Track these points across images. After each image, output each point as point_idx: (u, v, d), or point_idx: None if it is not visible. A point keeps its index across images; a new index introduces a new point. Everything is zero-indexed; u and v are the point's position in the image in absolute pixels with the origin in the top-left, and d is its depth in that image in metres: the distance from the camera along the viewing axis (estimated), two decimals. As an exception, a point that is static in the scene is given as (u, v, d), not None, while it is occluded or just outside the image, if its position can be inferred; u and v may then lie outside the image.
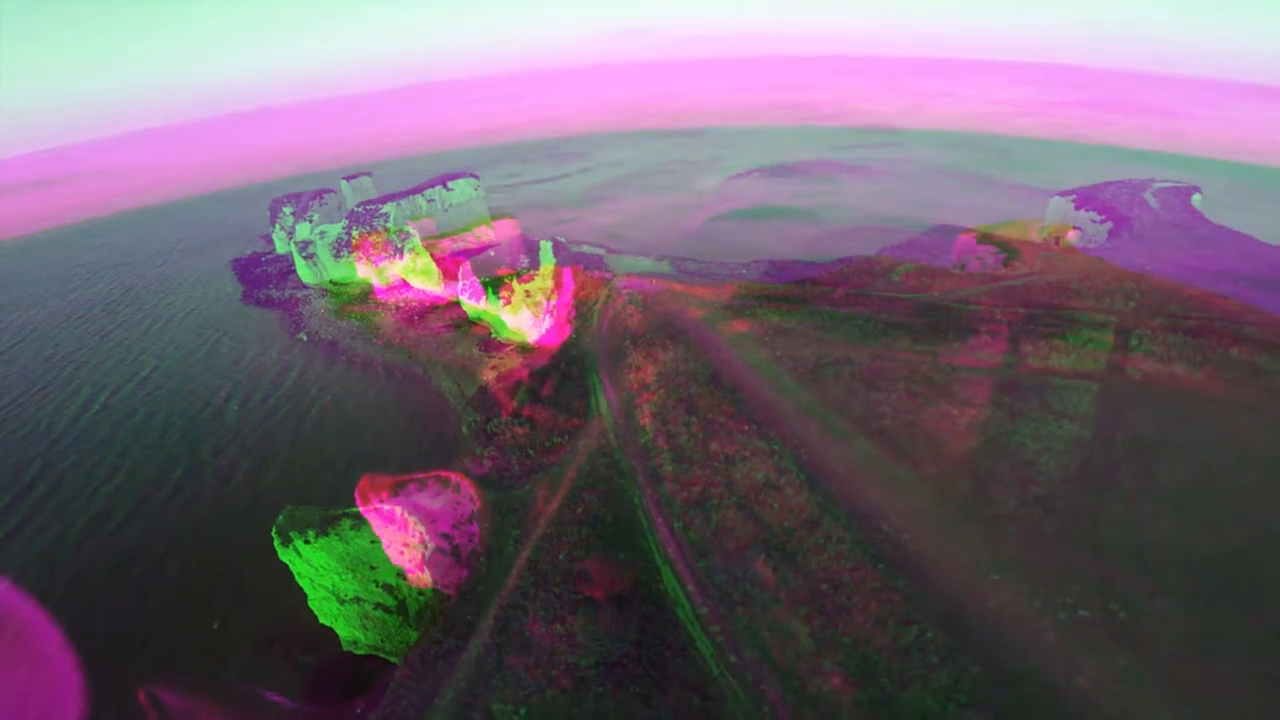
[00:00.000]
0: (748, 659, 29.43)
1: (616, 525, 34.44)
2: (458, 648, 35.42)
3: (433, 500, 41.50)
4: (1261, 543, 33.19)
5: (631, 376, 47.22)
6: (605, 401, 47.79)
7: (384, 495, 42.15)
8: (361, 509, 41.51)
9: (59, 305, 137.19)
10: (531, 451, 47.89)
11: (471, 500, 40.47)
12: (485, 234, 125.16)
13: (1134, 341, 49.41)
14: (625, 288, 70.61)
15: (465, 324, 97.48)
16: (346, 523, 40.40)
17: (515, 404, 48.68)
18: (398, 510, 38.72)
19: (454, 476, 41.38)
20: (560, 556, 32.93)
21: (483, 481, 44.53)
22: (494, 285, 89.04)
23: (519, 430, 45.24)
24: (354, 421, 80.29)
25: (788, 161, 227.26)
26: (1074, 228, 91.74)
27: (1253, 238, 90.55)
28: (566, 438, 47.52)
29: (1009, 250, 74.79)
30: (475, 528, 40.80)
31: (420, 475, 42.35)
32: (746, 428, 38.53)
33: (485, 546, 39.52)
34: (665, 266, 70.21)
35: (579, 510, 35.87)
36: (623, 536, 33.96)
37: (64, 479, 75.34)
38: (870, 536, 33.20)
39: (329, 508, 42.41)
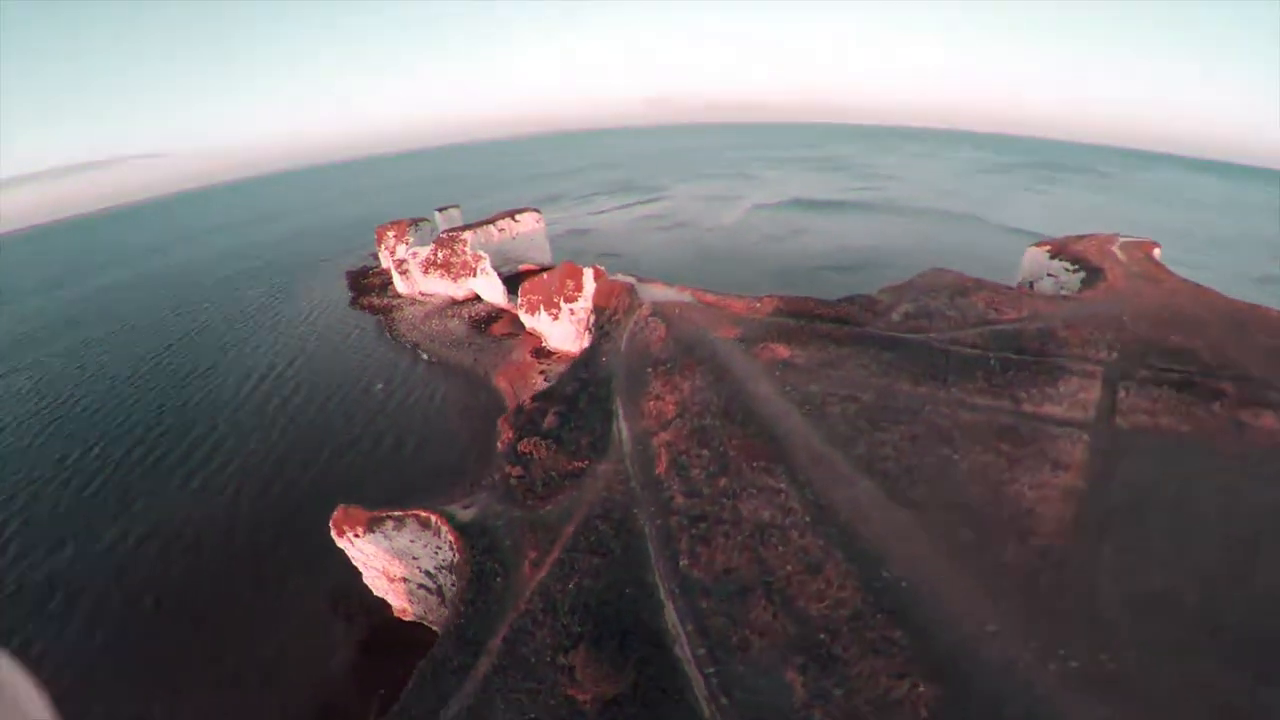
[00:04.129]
0: (740, 702, 23.44)
1: (625, 558, 28.43)
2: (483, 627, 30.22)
3: (411, 541, 34.76)
4: (1248, 594, 26.11)
5: (650, 406, 40.37)
6: (622, 429, 40.04)
7: (358, 530, 35.31)
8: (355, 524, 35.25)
9: (230, 308, 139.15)
10: (553, 474, 37.52)
11: (451, 548, 33.29)
12: (509, 225, 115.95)
13: (1121, 392, 41.46)
14: (651, 300, 62.30)
15: (521, 331, 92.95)
16: (389, 523, 35.54)
17: (514, 434, 39.87)
18: (432, 519, 33.54)
19: (434, 517, 34.05)
20: (570, 585, 27.05)
21: (466, 528, 35.06)
22: (516, 283, 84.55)
23: (514, 471, 37.50)
24: (441, 411, 77.01)
25: (804, 198, 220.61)
26: (1048, 274, 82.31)
27: (1211, 289, 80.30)
28: (589, 459, 38.04)
29: (1088, 269, 67.86)
30: (454, 576, 33.41)
31: (399, 512, 35.49)
32: (757, 464, 32.08)
33: (472, 582, 31.43)
34: (687, 297, 63.29)
35: (590, 539, 29.68)
36: (630, 570, 27.94)
37: (229, 438, 74.40)
38: (870, 584, 26.76)
39: (373, 508, 37.15)
